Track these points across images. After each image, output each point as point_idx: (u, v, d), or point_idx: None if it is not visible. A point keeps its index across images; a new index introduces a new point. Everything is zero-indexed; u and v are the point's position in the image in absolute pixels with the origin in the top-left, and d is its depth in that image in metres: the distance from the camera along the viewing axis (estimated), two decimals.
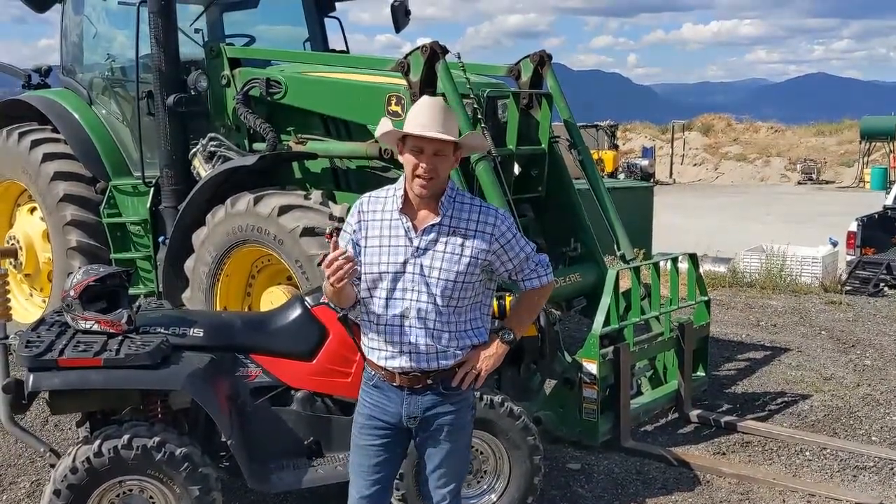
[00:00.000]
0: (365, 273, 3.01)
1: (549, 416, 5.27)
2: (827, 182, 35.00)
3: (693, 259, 6.12)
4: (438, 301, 2.96)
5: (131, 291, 5.89)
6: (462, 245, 2.97)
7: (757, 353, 7.70)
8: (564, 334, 5.56)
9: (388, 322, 3.00)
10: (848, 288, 11.76)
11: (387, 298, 2.99)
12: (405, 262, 2.97)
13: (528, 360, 4.53)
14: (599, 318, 5.30)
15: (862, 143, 33.82)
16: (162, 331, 3.91)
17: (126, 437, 3.65)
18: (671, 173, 38.24)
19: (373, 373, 3.10)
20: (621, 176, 31.84)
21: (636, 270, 5.74)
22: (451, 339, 3.02)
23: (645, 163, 34.58)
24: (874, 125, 33.52)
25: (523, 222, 5.76)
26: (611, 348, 5.34)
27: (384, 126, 3.03)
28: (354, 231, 3.06)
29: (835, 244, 13.28)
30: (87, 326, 3.85)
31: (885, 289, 11.78)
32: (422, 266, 2.96)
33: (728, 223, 20.36)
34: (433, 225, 2.98)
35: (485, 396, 4.11)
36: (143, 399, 3.92)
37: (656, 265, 5.87)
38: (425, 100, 3.05)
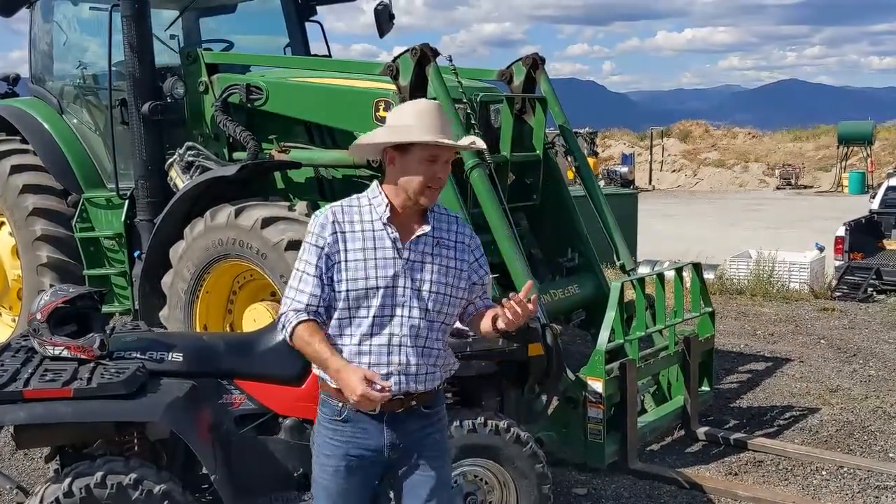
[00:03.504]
0: (348, 290, 2.70)
1: (551, 436, 4.96)
2: (805, 187, 35.06)
3: (697, 268, 5.85)
4: (431, 316, 2.74)
5: (105, 309, 5.61)
6: (449, 257, 2.80)
7: (758, 364, 7.48)
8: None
9: (374, 342, 2.70)
10: (837, 294, 11.60)
11: (374, 316, 2.70)
12: (395, 276, 2.70)
13: (532, 381, 4.24)
14: (604, 333, 5.03)
15: (839, 147, 33.94)
16: (138, 356, 3.61)
17: (99, 474, 3.34)
18: (650, 180, 38.21)
19: (339, 406, 2.76)
20: (601, 183, 31.75)
21: (640, 282, 5.48)
22: (439, 357, 2.81)
23: (624, 170, 34.50)
24: (851, 130, 33.68)
25: (518, 232, 5.50)
26: (616, 364, 5.07)
27: (378, 136, 2.78)
28: (328, 244, 2.72)
29: (821, 249, 13.12)
30: (56, 353, 3.54)
31: (874, 294, 11.64)
32: (413, 279, 2.72)
33: (710, 229, 20.21)
34: (421, 235, 2.75)
35: (489, 422, 3.84)
36: (117, 431, 3.61)
37: (661, 276, 5.60)
38: (426, 104, 2.78)
